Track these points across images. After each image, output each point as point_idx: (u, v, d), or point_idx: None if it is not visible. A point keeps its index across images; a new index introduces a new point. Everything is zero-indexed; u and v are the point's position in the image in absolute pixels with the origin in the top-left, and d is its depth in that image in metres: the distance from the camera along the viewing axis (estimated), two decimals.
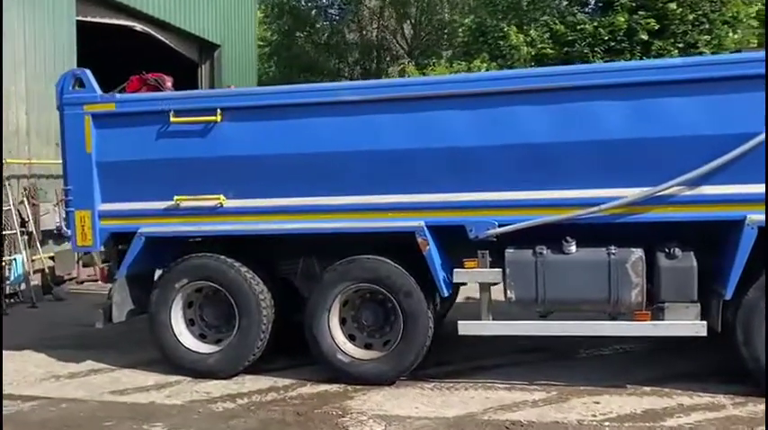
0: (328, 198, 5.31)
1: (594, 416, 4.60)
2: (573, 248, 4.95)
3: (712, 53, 15.21)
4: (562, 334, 5.12)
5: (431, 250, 5.12)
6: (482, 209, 5.06)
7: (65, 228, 5.90)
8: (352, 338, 5.49)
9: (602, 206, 4.82)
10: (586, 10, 17.28)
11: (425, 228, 5.11)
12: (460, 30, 19.13)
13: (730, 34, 15.16)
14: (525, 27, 17.91)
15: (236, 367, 5.60)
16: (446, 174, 5.10)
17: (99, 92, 5.71)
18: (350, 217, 5.28)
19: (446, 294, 5.23)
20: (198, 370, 5.63)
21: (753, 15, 15.82)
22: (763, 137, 4.53)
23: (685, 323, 4.82)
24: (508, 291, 5.05)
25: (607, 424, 4.45)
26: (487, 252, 5.12)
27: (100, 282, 10.52)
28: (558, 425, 4.47)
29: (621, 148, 4.80)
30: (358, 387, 5.28)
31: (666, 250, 4.86)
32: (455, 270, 5.17)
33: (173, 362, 5.70)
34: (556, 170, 4.92)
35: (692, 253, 4.84)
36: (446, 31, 22.15)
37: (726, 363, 5.38)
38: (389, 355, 5.31)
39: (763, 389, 4.71)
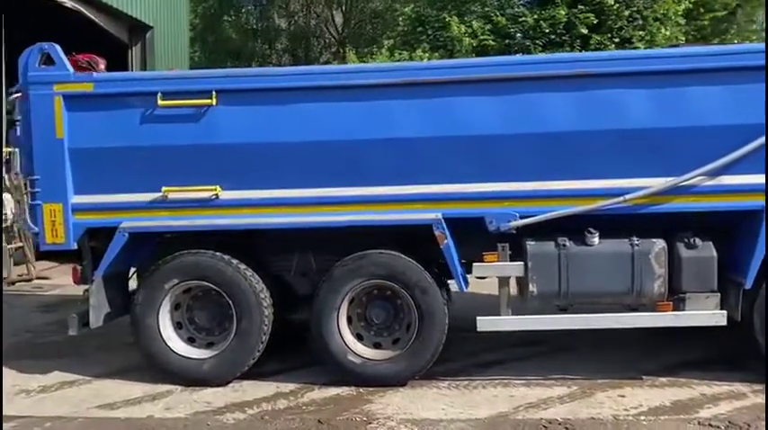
0: (338, 189, 4.96)
1: (627, 410, 4.52)
2: (596, 240, 4.85)
3: (645, 48, 15.80)
4: (585, 326, 5.02)
5: (448, 244, 4.87)
6: (503, 200, 4.87)
7: (30, 224, 5.24)
8: (359, 338, 5.18)
9: (627, 196, 4.74)
10: (523, 2, 17.50)
11: (443, 221, 4.86)
12: (400, 19, 18.96)
13: (662, 30, 15.74)
14: (466, 18, 17.96)
15: (234, 373, 5.16)
16: (466, 164, 4.87)
17: (71, 69, 5.07)
18: (362, 209, 4.95)
19: (464, 289, 5.01)
20: (191, 377, 5.14)
21: (680, 13, 16.50)
22: None
23: (706, 313, 4.84)
24: (530, 285, 4.88)
25: (643, 418, 4.38)
26: (508, 245, 4.93)
27: (35, 282, 9.79)
28: (595, 421, 4.36)
29: (645, 138, 4.73)
30: (371, 389, 4.98)
31: (686, 240, 4.85)
32: (475, 264, 4.96)
33: (162, 369, 5.18)
34: (579, 160, 4.79)
35: (710, 243, 4.84)
36: (383, 19, 21.91)
37: (726, 352, 5.49)
38: (404, 354, 5.04)
39: None
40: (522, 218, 4.84)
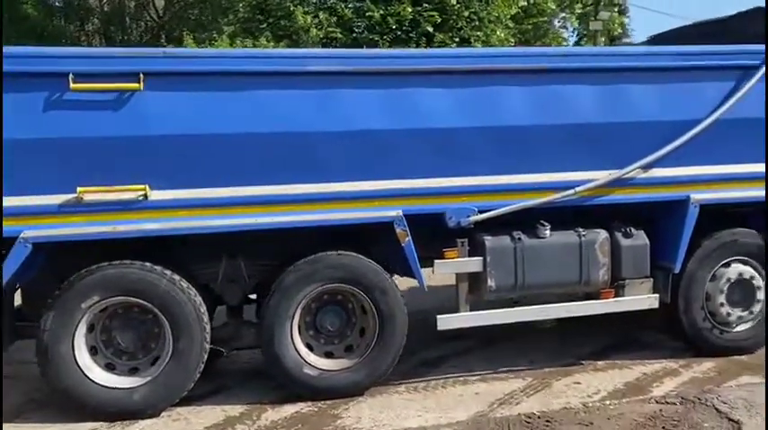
0: (290, 187, 4.50)
1: (590, 397, 4.66)
2: (548, 232, 4.93)
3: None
4: (541, 317, 5.10)
5: (410, 241, 4.66)
6: (461, 195, 4.75)
7: None
8: (309, 348, 4.77)
9: (578, 189, 4.88)
10: None
11: (404, 218, 4.63)
12: (240, 5, 18.04)
13: (497, 32, 16.74)
14: (308, 9, 17.63)
15: (171, 400, 4.48)
16: (425, 158, 4.67)
17: None
18: (317, 208, 4.54)
19: (425, 288, 4.82)
20: (119, 410, 4.37)
21: (509, 17, 17.69)
22: (706, 123, 4.99)
23: (642, 297, 5.16)
24: (488, 280, 4.84)
25: (609, 403, 4.54)
26: (467, 240, 4.84)
27: None
28: (569, 411, 4.43)
29: (591, 132, 4.90)
30: (330, 403, 4.62)
31: (623, 230, 5.12)
32: (436, 261, 4.79)
33: (81, 404, 4.33)
34: (533, 153, 4.84)
35: (642, 232, 5.16)
36: (212, 3, 20.64)
37: (635, 333, 5.91)
38: (363, 362, 4.73)
39: (699, 351, 5.31)
40: (480, 212, 4.77)
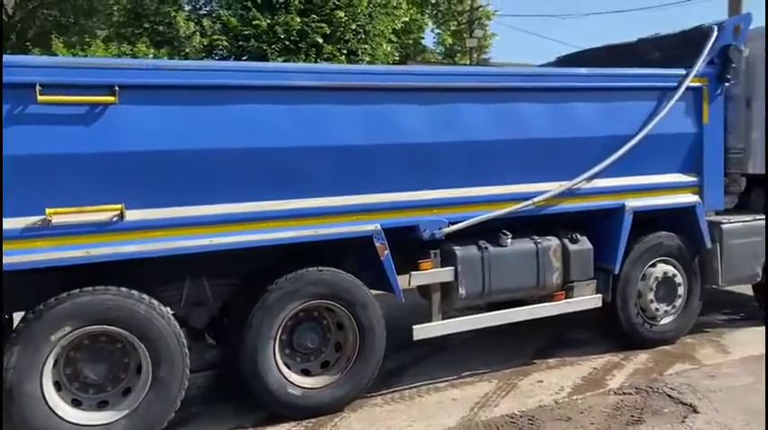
0: (271, 203, 4.41)
1: (557, 393, 4.99)
2: (509, 241, 5.22)
3: (367, 63, 17.04)
4: (506, 321, 5.32)
5: (388, 255, 4.73)
6: (433, 207, 4.91)
7: None
8: (287, 367, 4.68)
9: (535, 199, 5.21)
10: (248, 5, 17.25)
11: (382, 232, 4.70)
12: (115, 8, 16.97)
13: (383, 46, 17.15)
14: (190, 15, 17.00)
15: None
16: (400, 173, 4.78)
17: None
18: (298, 224, 4.49)
19: (402, 300, 4.90)
20: None
21: (391, 32, 18.18)
22: (638, 138, 5.53)
23: (589, 298, 5.60)
24: (459, 288, 5.03)
25: (576, 398, 4.89)
26: (439, 251, 5.00)
27: None
28: (545, 409, 4.71)
29: (546, 147, 5.25)
30: (314, 421, 4.57)
31: (570, 236, 5.53)
32: (413, 272, 4.90)
33: None
34: (496, 166, 5.10)
35: (586, 237, 5.61)
36: (74, 5, 19.23)
37: (567, 332, 6.38)
38: (346, 377, 4.73)
39: (632, 344, 5.85)
40: (451, 224, 4.95)
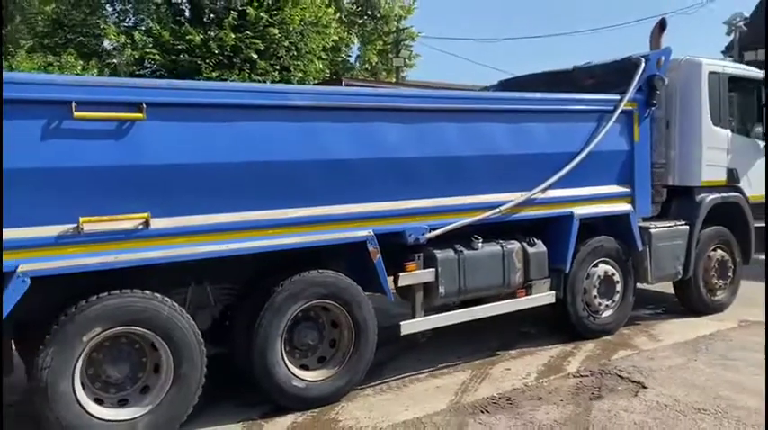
0: (279, 212, 4.84)
1: (525, 378, 5.65)
2: (480, 244, 5.87)
3: (300, 79, 17.52)
4: (479, 316, 5.94)
5: (380, 258, 5.25)
6: (417, 215, 5.47)
7: None
8: (290, 363, 5.09)
9: (501, 207, 5.89)
10: (181, 19, 17.32)
11: (375, 237, 5.22)
12: (39, 18, 16.52)
13: (315, 62, 17.66)
14: (122, 26, 16.86)
15: (173, 427, 4.51)
16: (389, 183, 5.31)
17: None
18: (302, 230, 4.93)
19: (392, 300, 5.42)
20: None
21: (321, 49, 18.73)
22: (584, 154, 6.34)
23: (545, 294, 6.34)
24: (439, 287, 5.61)
25: (542, 381, 5.57)
26: (422, 254, 5.57)
27: None
28: (518, 391, 5.35)
29: (509, 161, 5.95)
30: (317, 411, 5.00)
31: (528, 240, 6.25)
32: (400, 274, 5.43)
33: None
34: (469, 178, 5.73)
35: (541, 241, 6.35)
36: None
37: (520, 326, 7.12)
38: (343, 370, 5.19)
39: (578, 335, 6.64)
40: (431, 230, 5.53)
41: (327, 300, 5.10)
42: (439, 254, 5.62)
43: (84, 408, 4.20)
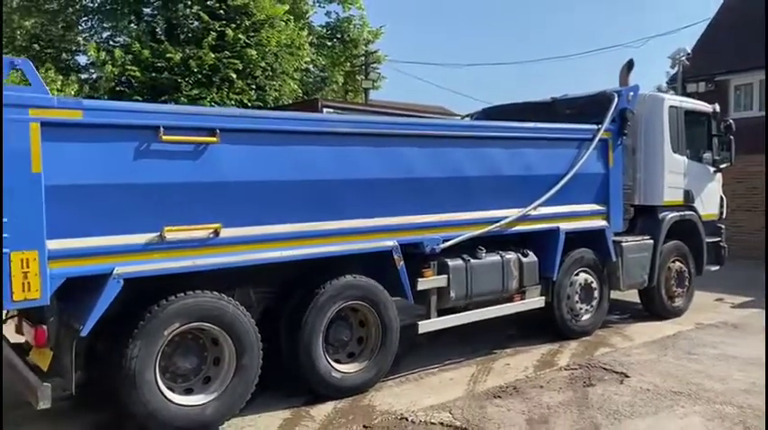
0: (322, 223, 5.53)
1: (525, 371, 6.49)
2: (484, 254, 6.71)
3: (275, 99, 18.16)
4: (484, 317, 6.76)
5: (403, 266, 6.01)
6: (432, 228, 6.26)
7: None
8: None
9: (501, 222, 6.74)
10: (161, 38, 17.72)
11: (399, 247, 5.98)
12: (18, 33, 16.63)
13: (290, 83, 18.32)
14: (100, 43, 17.14)
15: (234, 411, 5.15)
16: (410, 200, 6.09)
17: (48, 91, 4.34)
18: (339, 240, 5.63)
19: (412, 302, 6.18)
20: (194, 425, 4.90)
21: (294, 70, 19.40)
22: (569, 176, 7.28)
23: (536, 299, 7.22)
24: (451, 292, 6.41)
25: (540, 373, 6.42)
26: (436, 262, 6.36)
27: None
28: (522, 381, 6.17)
29: (507, 181, 6.82)
30: (352, 399, 5.68)
31: (522, 251, 7.13)
32: (419, 279, 6.20)
33: (164, 424, 4.76)
34: (477, 196, 6.57)
35: (532, 252, 7.24)
36: None
37: (506, 329, 7.98)
38: (372, 363, 5.91)
39: (563, 335, 7.54)
40: (444, 241, 6.33)
41: (360, 301, 5.82)
42: (450, 262, 6.42)
43: (163, 394, 4.79)
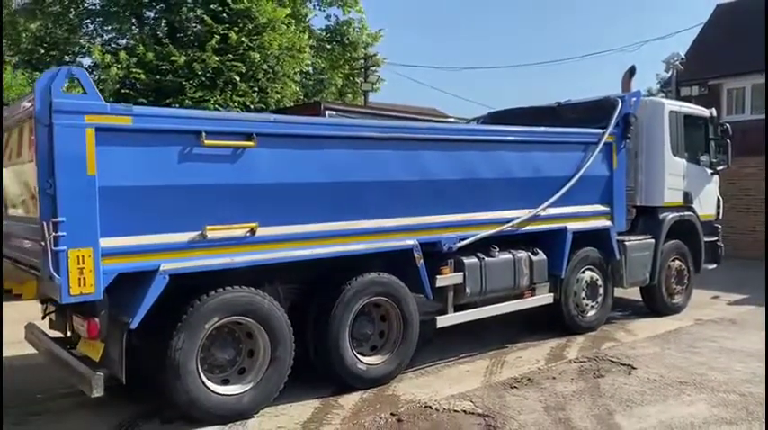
0: (349, 223, 5.83)
1: (537, 363, 6.82)
2: (497, 253, 7.03)
3: (277, 101, 18.43)
4: (497, 313, 7.10)
5: (422, 263, 6.32)
6: (449, 228, 6.58)
7: (53, 273, 4.22)
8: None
9: (514, 222, 7.08)
10: (165, 41, 17.92)
11: (419, 246, 6.29)
12: (24, 35, 16.82)
13: (291, 86, 18.59)
14: (104, 46, 17.34)
15: (268, 400, 5.45)
16: (430, 201, 6.40)
17: (101, 98, 4.63)
18: (364, 239, 5.93)
19: (431, 298, 6.49)
20: (233, 413, 5.20)
21: (296, 72, 19.66)
22: (576, 178, 7.63)
23: (546, 295, 7.56)
24: (466, 288, 6.73)
25: (551, 365, 6.75)
26: (453, 260, 6.68)
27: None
28: (535, 372, 6.50)
29: (519, 183, 7.16)
30: (377, 390, 5.99)
31: (532, 250, 7.46)
32: (438, 276, 6.51)
33: (205, 412, 5.06)
34: (490, 197, 6.89)
35: (541, 251, 7.57)
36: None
37: (517, 322, 8.31)
38: (394, 356, 6.22)
39: (569, 330, 7.88)
40: (460, 240, 6.65)
41: (383, 296, 6.12)
42: (466, 260, 6.75)
43: (204, 384, 5.08)
